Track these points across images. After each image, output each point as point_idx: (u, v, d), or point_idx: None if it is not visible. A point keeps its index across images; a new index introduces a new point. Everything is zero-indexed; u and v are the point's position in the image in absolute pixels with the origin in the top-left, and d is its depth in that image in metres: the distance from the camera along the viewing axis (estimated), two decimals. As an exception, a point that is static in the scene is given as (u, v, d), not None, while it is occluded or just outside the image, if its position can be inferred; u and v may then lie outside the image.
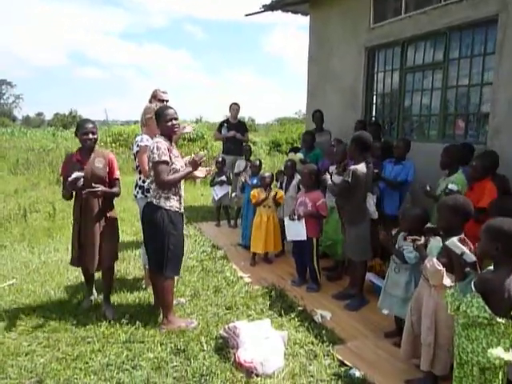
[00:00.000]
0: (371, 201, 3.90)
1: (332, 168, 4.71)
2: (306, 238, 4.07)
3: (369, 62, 6.26)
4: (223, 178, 6.50)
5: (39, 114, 57.19)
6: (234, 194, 6.46)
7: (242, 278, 4.50)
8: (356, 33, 6.33)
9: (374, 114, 6.39)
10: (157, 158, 3.11)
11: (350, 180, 3.57)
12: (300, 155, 5.41)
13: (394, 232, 3.23)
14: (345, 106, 6.46)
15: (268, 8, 7.54)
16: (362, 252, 3.84)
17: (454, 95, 5.09)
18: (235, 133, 6.83)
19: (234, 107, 7.02)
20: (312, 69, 7.49)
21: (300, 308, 3.70)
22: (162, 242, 3.24)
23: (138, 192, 3.93)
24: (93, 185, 3.36)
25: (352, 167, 3.63)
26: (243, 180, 5.48)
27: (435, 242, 2.60)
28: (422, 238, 2.70)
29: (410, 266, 3.10)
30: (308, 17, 7.62)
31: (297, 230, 4.11)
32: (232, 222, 6.75)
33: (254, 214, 5.06)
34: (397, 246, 3.21)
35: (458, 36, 4.91)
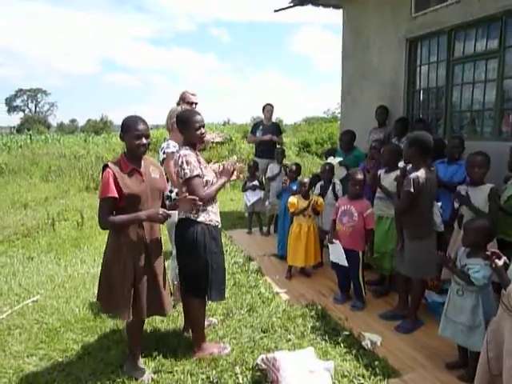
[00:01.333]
0: (437, 211, 3.41)
1: (380, 171, 4.25)
2: (347, 265, 3.71)
3: (410, 54, 5.75)
4: (255, 182, 6.15)
5: (73, 121, 58.75)
6: (267, 202, 6.05)
7: (278, 294, 4.12)
8: (395, 23, 5.84)
9: (416, 110, 5.86)
10: (189, 174, 2.78)
11: (412, 190, 3.11)
12: (338, 159, 4.98)
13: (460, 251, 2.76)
14: (384, 102, 5.96)
15: (298, 2, 7.15)
16: (425, 269, 3.33)
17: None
18: (272, 136, 6.46)
19: (269, 108, 6.65)
20: (347, 64, 7.04)
21: (346, 332, 3.27)
22: (205, 263, 2.88)
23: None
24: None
25: (412, 175, 3.14)
26: (283, 185, 5.07)
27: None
28: (503, 257, 2.22)
29: (476, 288, 2.64)
30: (340, 10, 7.19)
31: (338, 254, 3.75)
32: (264, 229, 6.38)
33: (291, 222, 4.68)
34: (458, 263, 2.75)
35: (516, 20, 4.36)
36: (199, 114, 2.90)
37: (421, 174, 3.14)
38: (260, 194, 6.14)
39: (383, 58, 6.16)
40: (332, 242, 3.79)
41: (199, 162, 2.89)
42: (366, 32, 6.48)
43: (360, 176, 3.77)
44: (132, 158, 2.66)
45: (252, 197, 6.11)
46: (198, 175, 2.81)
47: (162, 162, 3.53)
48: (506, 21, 4.42)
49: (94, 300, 4.05)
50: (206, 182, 2.88)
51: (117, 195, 2.52)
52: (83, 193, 10.00)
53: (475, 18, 4.70)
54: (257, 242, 5.97)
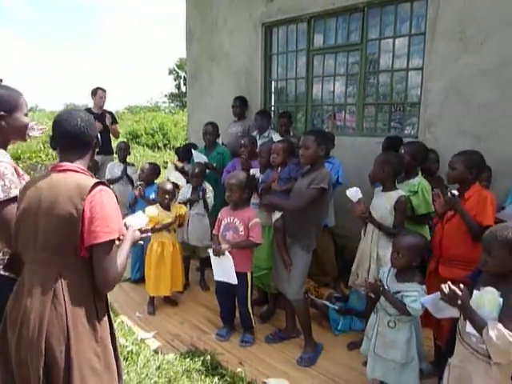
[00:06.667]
0: None
1: (254, 171, 3.58)
2: (236, 282, 2.90)
3: (266, 40, 5.27)
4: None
5: None
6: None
7: (144, 341, 3.08)
8: (250, 4, 5.27)
9: (274, 102, 5.46)
10: (2, 195, 1.62)
11: (326, 186, 2.64)
12: (201, 156, 4.14)
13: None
14: (239, 92, 5.36)
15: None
16: (303, 285, 2.91)
17: (375, 81, 4.46)
18: (110, 118, 5.24)
19: (101, 94, 5.34)
20: (192, 47, 6.20)
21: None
22: None
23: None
24: None
25: (324, 171, 2.75)
26: (137, 193, 3.85)
27: (490, 296, 1.72)
28: (461, 285, 1.76)
29: (409, 319, 2.23)
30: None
31: (225, 270, 2.90)
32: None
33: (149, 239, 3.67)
34: (387, 288, 2.29)
35: (377, 12, 4.25)
36: (22, 96, 1.81)
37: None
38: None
39: (235, 43, 5.53)
40: (218, 254, 2.87)
41: (18, 174, 1.75)
42: (215, 10, 5.75)
43: (233, 181, 2.98)
44: None
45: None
46: (14, 198, 1.64)
47: None
48: (368, 12, 4.29)
49: None
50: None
51: None
52: None
53: (336, 7, 4.46)
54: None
